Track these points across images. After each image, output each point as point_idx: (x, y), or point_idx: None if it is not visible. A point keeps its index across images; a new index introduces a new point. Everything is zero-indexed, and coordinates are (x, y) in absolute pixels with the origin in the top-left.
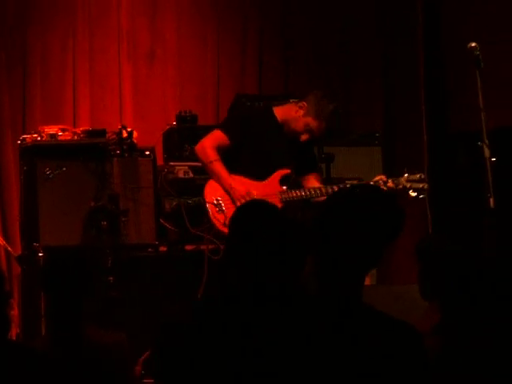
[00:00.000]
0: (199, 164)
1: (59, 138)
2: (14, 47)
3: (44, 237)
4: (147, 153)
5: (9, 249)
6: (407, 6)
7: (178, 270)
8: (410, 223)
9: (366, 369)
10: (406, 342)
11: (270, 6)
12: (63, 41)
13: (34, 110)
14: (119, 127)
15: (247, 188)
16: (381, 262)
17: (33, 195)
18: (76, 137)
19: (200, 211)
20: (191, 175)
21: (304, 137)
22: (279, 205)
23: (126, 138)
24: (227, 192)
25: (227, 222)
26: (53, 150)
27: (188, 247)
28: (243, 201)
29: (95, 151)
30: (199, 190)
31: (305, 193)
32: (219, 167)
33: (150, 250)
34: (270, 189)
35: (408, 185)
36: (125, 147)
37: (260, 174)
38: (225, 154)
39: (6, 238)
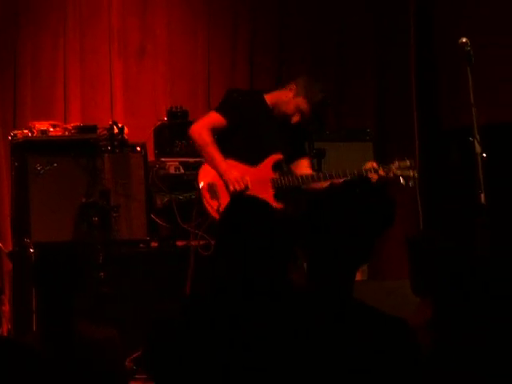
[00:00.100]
0: (190, 160)
1: (50, 133)
2: (5, 46)
3: (35, 233)
4: (138, 149)
5: (0, 245)
6: (400, 7)
7: (169, 265)
8: (401, 219)
9: (358, 364)
10: (398, 338)
11: (262, 5)
12: (54, 39)
13: (25, 106)
14: (110, 123)
15: (241, 173)
16: (372, 257)
17: (24, 191)
18: (67, 133)
19: (191, 207)
20: (182, 171)
21: (295, 118)
22: (272, 191)
23: (117, 134)
24: (221, 176)
25: (221, 209)
26: (44, 146)
27: (179, 243)
28: (237, 185)
29: (86, 147)
30: (190, 186)
31: (297, 179)
32: (214, 151)
33: (141, 245)
34: (262, 174)
35: (399, 172)
36: (116, 143)
37: (252, 159)
38: (217, 138)
39: None
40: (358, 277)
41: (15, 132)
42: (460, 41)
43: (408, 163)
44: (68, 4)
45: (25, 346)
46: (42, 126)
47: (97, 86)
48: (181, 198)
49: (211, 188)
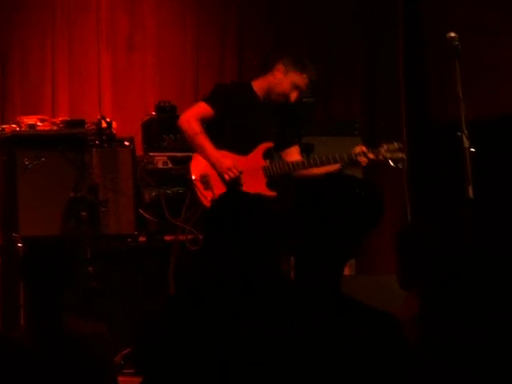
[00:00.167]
0: (178, 154)
1: (38, 128)
2: None
3: (23, 227)
4: (126, 143)
5: None
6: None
7: (157, 260)
8: (389, 214)
9: (345, 359)
10: (385, 332)
11: (252, 0)
12: (42, 31)
13: (13, 100)
14: (98, 117)
15: (233, 162)
16: (360, 252)
17: (12, 185)
18: (55, 127)
19: (180, 201)
20: (170, 165)
21: (294, 95)
22: (264, 179)
23: (105, 129)
24: (213, 166)
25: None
26: (32, 141)
27: (167, 237)
28: (231, 174)
29: (74, 141)
30: (179, 180)
31: (288, 166)
32: (205, 140)
33: (129, 240)
34: (253, 163)
35: (388, 155)
36: (104, 137)
37: (242, 149)
38: (206, 128)
39: None
40: (346, 271)
41: (3, 126)
42: (448, 35)
43: (396, 146)
44: None
45: (12, 341)
46: (29, 120)
47: (85, 80)
48: (169, 192)
49: (204, 179)
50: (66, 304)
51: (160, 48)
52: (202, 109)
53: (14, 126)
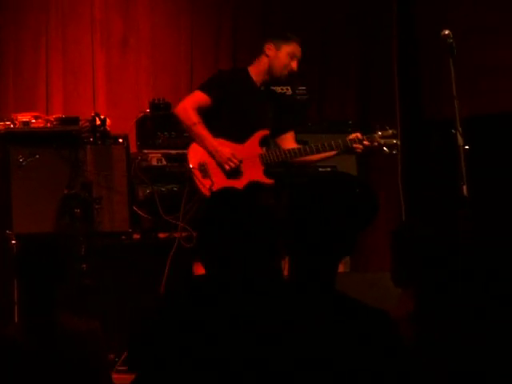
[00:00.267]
0: (172, 151)
1: (32, 125)
2: None
3: (17, 224)
4: (120, 140)
5: None
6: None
7: (151, 257)
8: (383, 211)
9: (341, 357)
10: (380, 330)
11: (246, 3)
12: (36, 30)
13: (7, 97)
14: (92, 115)
15: (232, 150)
16: (355, 250)
17: (6, 183)
18: (49, 124)
19: (174, 198)
20: (164, 163)
21: (294, 63)
22: (261, 167)
23: (100, 126)
24: (212, 155)
25: (213, 188)
26: (26, 138)
27: (161, 235)
28: (231, 163)
29: (68, 139)
30: (173, 178)
31: (285, 154)
32: (203, 129)
33: (123, 237)
34: (250, 151)
35: (382, 141)
36: (98, 135)
37: (239, 137)
38: (203, 116)
39: None
40: (341, 269)
41: None
42: (442, 33)
43: (390, 132)
44: None
45: (6, 338)
46: (24, 117)
47: (79, 77)
48: (163, 189)
49: (202, 167)
50: (59, 301)
51: (154, 49)
52: (199, 97)
53: (8, 123)
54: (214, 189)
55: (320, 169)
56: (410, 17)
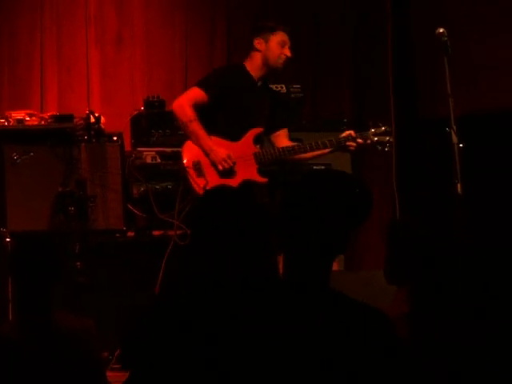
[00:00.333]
0: (167, 149)
1: (26, 123)
2: None
3: (11, 222)
4: (115, 138)
5: None
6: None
7: (145, 255)
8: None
9: (338, 355)
10: (377, 329)
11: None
12: (30, 26)
13: (1, 95)
14: (87, 112)
15: (227, 150)
16: (348, 248)
17: (0, 180)
18: (43, 122)
19: (168, 196)
20: (159, 160)
21: (286, 51)
22: (255, 166)
23: (94, 124)
24: (206, 154)
25: (207, 186)
26: (20, 135)
27: (156, 233)
28: (225, 164)
29: (63, 136)
30: (167, 176)
31: (279, 152)
32: (198, 127)
33: (117, 235)
34: (244, 149)
35: (375, 139)
36: (92, 132)
37: (233, 134)
38: (199, 112)
39: None
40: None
41: None
42: (437, 31)
43: (383, 129)
44: None
45: (0, 336)
46: (18, 115)
47: (73, 74)
48: (157, 187)
49: (196, 166)
50: (53, 299)
51: (149, 46)
52: (196, 94)
53: (2, 120)
54: (208, 188)
55: (314, 166)
56: (404, 15)
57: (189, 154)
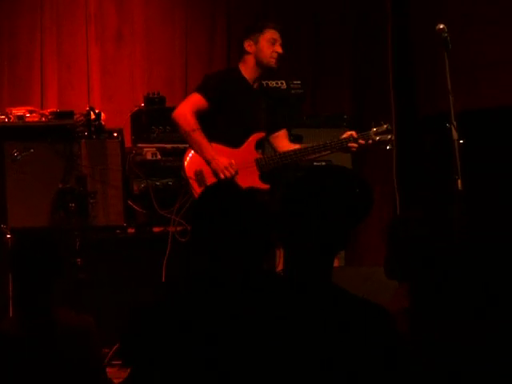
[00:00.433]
0: (167, 146)
1: (27, 119)
2: None
3: (12, 218)
4: (115, 134)
5: None
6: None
7: (146, 251)
8: (378, 206)
9: (340, 351)
10: (379, 324)
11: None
12: (31, 23)
13: (2, 91)
14: (87, 109)
15: (228, 158)
16: (349, 244)
17: (0, 177)
18: (44, 118)
19: (169, 192)
20: (159, 157)
21: (277, 48)
22: (257, 172)
23: (94, 120)
24: (208, 163)
25: None
26: (20, 132)
27: (156, 229)
28: (227, 173)
29: (63, 133)
30: (167, 172)
31: (280, 158)
32: (201, 137)
33: (118, 231)
34: (246, 156)
35: (377, 138)
36: (93, 129)
37: (235, 140)
38: (200, 119)
39: None
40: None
41: None
42: (437, 27)
43: (385, 127)
44: None
45: (1, 332)
46: (18, 111)
47: (74, 71)
48: (158, 184)
49: (198, 176)
50: (54, 295)
51: (149, 43)
52: (197, 101)
53: (2, 117)
54: None
55: (315, 163)
56: (404, 15)
57: (191, 165)
